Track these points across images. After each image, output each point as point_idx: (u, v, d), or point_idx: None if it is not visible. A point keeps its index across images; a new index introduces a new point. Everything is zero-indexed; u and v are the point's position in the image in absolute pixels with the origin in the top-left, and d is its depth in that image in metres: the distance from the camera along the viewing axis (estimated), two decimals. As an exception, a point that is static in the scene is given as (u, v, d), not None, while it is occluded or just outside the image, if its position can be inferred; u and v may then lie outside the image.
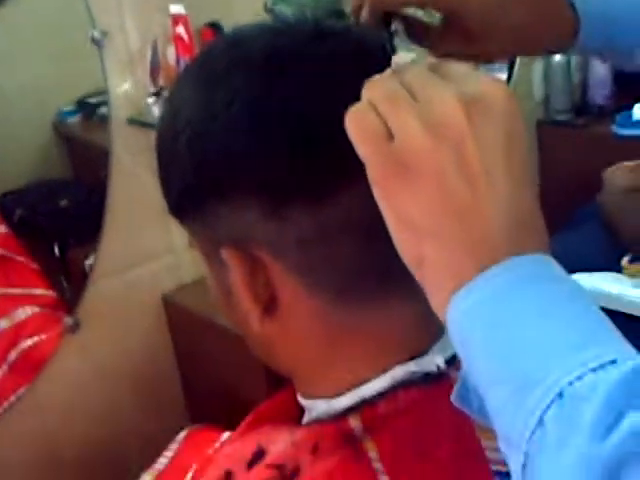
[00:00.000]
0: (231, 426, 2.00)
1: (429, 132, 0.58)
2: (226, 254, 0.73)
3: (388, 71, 0.65)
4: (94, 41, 2.15)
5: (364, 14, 0.82)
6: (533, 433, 0.52)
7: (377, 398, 0.75)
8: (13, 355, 2.20)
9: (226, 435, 1.98)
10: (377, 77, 0.64)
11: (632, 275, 1.93)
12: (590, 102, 3.16)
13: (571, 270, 1.88)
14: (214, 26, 2.25)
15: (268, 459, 0.78)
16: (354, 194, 0.67)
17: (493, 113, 0.59)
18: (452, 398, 0.62)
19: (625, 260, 1.97)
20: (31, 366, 2.24)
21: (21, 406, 2.23)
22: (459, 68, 0.63)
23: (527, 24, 0.89)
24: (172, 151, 0.75)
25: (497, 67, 2.79)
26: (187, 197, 0.76)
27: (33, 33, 2.37)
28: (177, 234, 2.10)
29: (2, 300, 2.23)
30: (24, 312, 2.23)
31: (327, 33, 0.74)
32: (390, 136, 0.60)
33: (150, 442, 2.09)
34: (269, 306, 0.75)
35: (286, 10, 2.80)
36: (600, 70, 3.02)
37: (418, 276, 0.61)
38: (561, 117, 3.19)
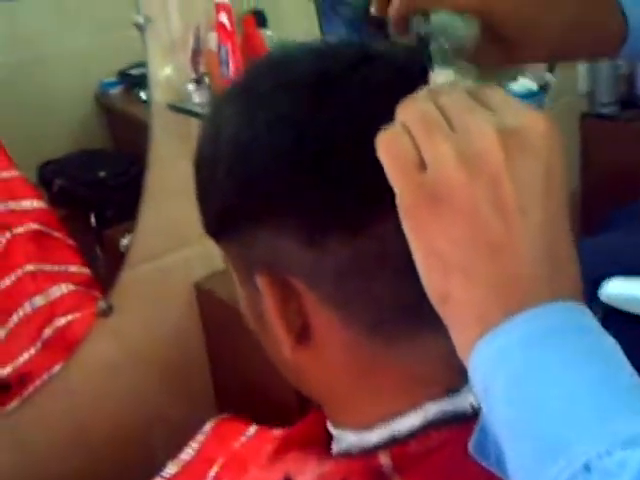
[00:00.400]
0: (258, 419, 2.02)
1: (464, 165, 0.56)
2: (260, 280, 0.72)
3: (424, 90, 0.63)
4: (137, 26, 2.15)
5: (392, 12, 0.81)
6: None
7: (408, 436, 0.73)
8: (47, 332, 2.22)
9: (253, 429, 1.99)
10: (412, 97, 0.62)
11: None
12: (637, 95, 3.10)
13: (609, 274, 1.86)
14: (257, 14, 2.24)
15: None
16: (392, 226, 0.64)
17: (532, 149, 0.57)
18: (470, 447, 0.60)
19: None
20: (65, 345, 2.24)
21: (53, 385, 2.23)
22: (499, 96, 0.61)
23: (571, 28, 0.86)
24: (212, 171, 0.74)
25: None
26: (225, 218, 0.75)
27: (77, 3, 2.38)
28: None
29: (38, 277, 2.23)
30: (59, 289, 2.24)
31: (372, 56, 0.72)
32: (423, 164, 0.58)
33: (177, 429, 2.11)
34: (301, 334, 0.73)
35: None
36: (648, 62, 2.97)
37: (442, 312, 0.59)
38: (606, 110, 3.13)
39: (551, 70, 3.05)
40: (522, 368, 0.54)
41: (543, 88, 3.12)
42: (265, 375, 2.13)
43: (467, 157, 0.56)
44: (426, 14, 0.79)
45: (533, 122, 0.58)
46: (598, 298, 1.84)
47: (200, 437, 2.05)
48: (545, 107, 3.04)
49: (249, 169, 0.70)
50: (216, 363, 2.48)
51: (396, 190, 0.59)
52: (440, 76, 0.68)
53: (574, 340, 0.55)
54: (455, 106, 0.59)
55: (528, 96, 3.03)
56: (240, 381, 2.35)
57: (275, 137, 0.69)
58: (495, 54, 0.84)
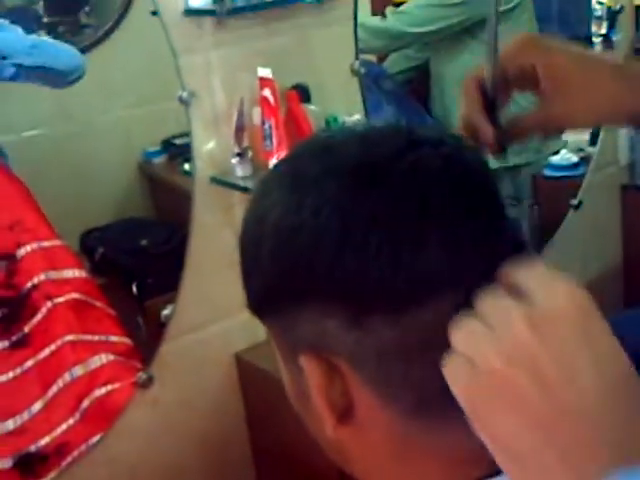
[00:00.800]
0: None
1: (504, 356, 0.60)
2: (304, 361, 0.72)
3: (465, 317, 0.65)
4: (181, 100, 2.17)
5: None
6: None
7: None
8: (86, 403, 2.21)
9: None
10: (457, 324, 0.64)
11: None
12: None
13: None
14: (300, 89, 2.26)
15: None
16: (435, 311, 0.66)
17: (565, 326, 0.60)
18: None
19: None
20: (104, 415, 2.24)
21: (91, 456, 2.23)
22: (535, 279, 0.63)
23: (619, 96, 0.92)
24: (256, 253, 0.75)
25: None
26: (267, 299, 0.76)
27: (124, 74, 2.42)
28: None
29: (78, 346, 2.23)
30: (99, 360, 2.24)
31: (419, 144, 0.72)
32: (474, 363, 0.62)
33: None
34: (344, 414, 0.73)
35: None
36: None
37: None
38: (647, 182, 3.13)
39: (592, 142, 3.06)
40: None
41: (584, 160, 3.12)
42: (305, 448, 2.11)
43: (504, 351, 0.60)
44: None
45: (564, 300, 0.61)
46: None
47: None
48: (586, 179, 3.04)
49: (293, 255, 0.71)
50: (256, 434, 2.47)
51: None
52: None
53: None
54: (491, 309, 0.63)
55: (569, 168, 3.03)
56: (280, 453, 2.34)
57: (320, 223, 0.69)
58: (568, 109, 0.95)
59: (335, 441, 0.76)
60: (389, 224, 0.68)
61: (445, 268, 0.66)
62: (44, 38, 2.22)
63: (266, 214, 0.74)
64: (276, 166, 0.81)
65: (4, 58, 2.07)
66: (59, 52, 2.20)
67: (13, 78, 2.12)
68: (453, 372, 0.63)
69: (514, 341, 0.60)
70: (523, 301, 0.61)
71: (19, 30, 2.17)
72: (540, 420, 0.59)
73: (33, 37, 2.18)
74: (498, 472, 0.71)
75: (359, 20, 2.65)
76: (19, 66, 2.09)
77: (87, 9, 2.48)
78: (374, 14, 2.74)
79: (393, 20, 2.86)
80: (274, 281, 0.73)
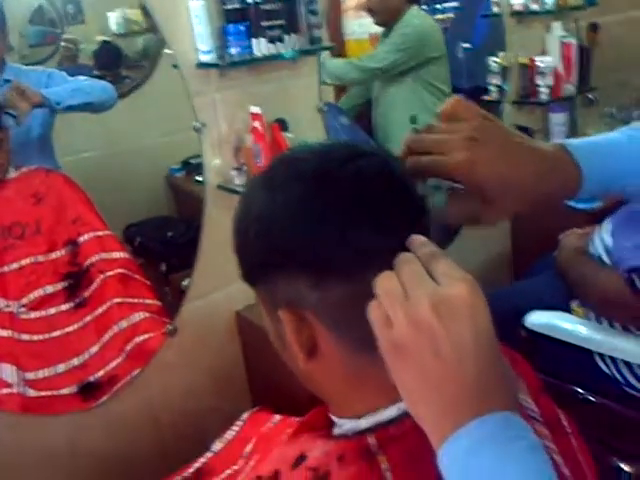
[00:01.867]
0: (281, 410, 2.00)
1: (411, 325, 0.60)
2: (282, 314, 0.74)
3: (390, 273, 0.65)
4: (195, 129, 2.17)
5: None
6: None
7: (388, 422, 0.73)
8: (129, 347, 2.19)
9: (277, 417, 1.98)
10: (383, 275, 0.64)
11: (579, 315, 1.89)
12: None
13: (531, 307, 1.82)
14: (280, 121, 2.25)
15: (307, 463, 0.77)
16: (373, 275, 0.66)
17: (458, 309, 0.59)
18: None
19: (574, 304, 1.93)
20: (142, 356, 2.23)
21: (133, 385, 2.22)
22: (442, 266, 0.63)
23: (535, 186, 0.80)
24: (244, 237, 0.76)
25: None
26: (255, 270, 0.77)
27: (153, 111, 2.40)
28: None
29: (124, 306, 2.20)
30: (138, 316, 2.22)
31: (359, 155, 0.73)
32: (391, 322, 0.61)
33: (223, 417, 2.08)
34: (311, 352, 0.75)
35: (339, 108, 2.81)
36: None
37: (416, 420, 0.62)
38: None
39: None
40: (467, 469, 0.56)
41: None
42: (285, 380, 2.12)
43: (412, 320, 0.60)
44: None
45: (459, 289, 0.60)
46: (523, 325, 1.84)
47: (239, 423, 2.03)
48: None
49: (271, 237, 0.72)
50: (251, 371, 2.47)
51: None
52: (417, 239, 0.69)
53: (501, 446, 0.56)
54: (410, 279, 0.62)
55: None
56: (269, 383, 2.33)
57: (288, 213, 0.71)
58: (488, 214, 0.81)
59: (306, 371, 0.77)
60: (337, 213, 0.69)
61: (377, 244, 0.67)
62: (82, 79, 2.19)
63: (250, 209, 0.76)
64: (254, 178, 0.81)
65: (58, 104, 2.06)
66: (94, 89, 2.19)
67: (66, 112, 2.11)
68: (374, 318, 0.63)
69: (420, 314, 0.59)
70: (431, 279, 0.62)
71: (67, 77, 2.15)
72: (432, 374, 0.59)
73: (75, 82, 2.16)
74: None
75: (340, 59, 2.78)
76: (68, 107, 2.08)
77: (126, 65, 2.47)
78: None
79: (366, 58, 2.86)
80: (259, 257, 0.75)
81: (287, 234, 0.70)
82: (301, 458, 0.78)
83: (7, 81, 2.00)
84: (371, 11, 2.86)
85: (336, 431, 0.81)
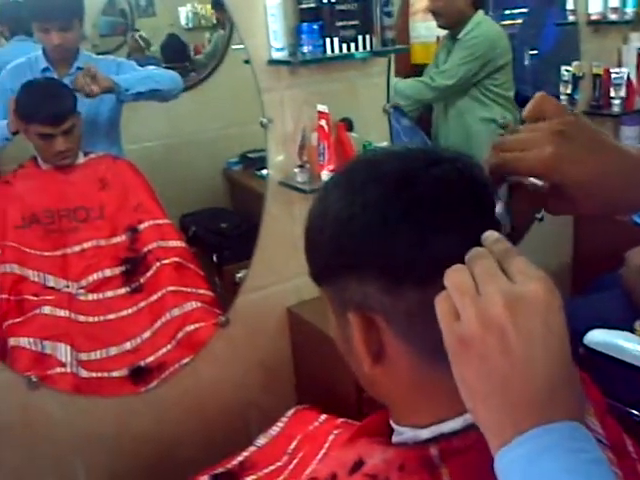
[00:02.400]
0: (326, 410, 2.01)
1: (481, 321, 0.58)
2: (351, 316, 0.72)
3: (462, 266, 0.63)
4: (262, 125, 2.19)
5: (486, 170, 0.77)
6: None
7: (452, 434, 0.72)
8: (180, 335, 2.22)
9: (323, 417, 1.98)
10: (455, 267, 0.62)
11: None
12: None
13: (593, 325, 1.78)
14: (346, 120, 2.25)
15: (365, 469, 0.76)
16: None
17: (532, 310, 0.57)
18: None
19: (637, 323, 1.88)
20: (192, 345, 2.25)
21: (182, 372, 2.24)
22: (517, 264, 0.61)
23: (622, 192, 0.76)
24: (319, 236, 0.75)
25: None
26: (326, 271, 0.76)
27: (216, 105, 2.43)
28: (302, 264, 2.19)
29: (177, 295, 2.23)
30: (191, 305, 2.24)
31: (440, 160, 0.72)
32: (459, 316, 0.60)
33: (268, 413, 2.10)
34: (377, 356, 0.73)
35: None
36: None
37: (474, 420, 0.61)
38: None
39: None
40: (525, 478, 0.54)
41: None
42: (334, 379, 2.14)
43: (482, 316, 0.58)
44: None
45: (535, 288, 0.58)
46: (583, 343, 1.81)
47: (284, 419, 2.04)
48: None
49: (346, 239, 0.71)
50: (298, 367, 2.47)
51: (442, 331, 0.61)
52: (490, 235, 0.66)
53: (563, 458, 0.54)
54: (483, 274, 0.60)
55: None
56: (315, 381, 2.34)
57: (367, 216, 0.69)
58: (564, 208, 0.78)
59: (370, 376, 0.75)
60: (417, 218, 0.68)
61: (456, 250, 0.65)
62: (152, 68, 2.24)
63: (327, 209, 0.74)
64: (333, 177, 0.80)
65: (127, 90, 2.09)
66: (163, 77, 2.22)
67: (134, 100, 2.14)
68: (441, 310, 0.62)
69: (492, 311, 0.58)
70: (505, 276, 0.60)
71: (136, 66, 2.20)
72: (497, 374, 0.57)
73: (144, 70, 2.21)
74: None
75: (410, 80, 2.78)
76: (137, 93, 2.11)
77: (192, 59, 2.51)
78: (397, 75, 2.72)
79: (438, 76, 2.84)
80: (332, 258, 0.73)
81: (364, 237, 0.69)
82: (359, 463, 0.77)
83: (79, 69, 2.05)
84: (435, 14, 2.84)
85: (395, 439, 0.80)
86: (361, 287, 0.71)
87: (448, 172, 0.71)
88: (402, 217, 0.68)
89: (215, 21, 2.49)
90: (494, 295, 0.58)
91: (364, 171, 0.74)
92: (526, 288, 0.58)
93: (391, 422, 0.82)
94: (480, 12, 2.81)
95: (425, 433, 0.74)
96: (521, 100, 2.88)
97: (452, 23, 2.83)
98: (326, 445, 1.81)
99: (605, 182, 0.75)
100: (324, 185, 0.79)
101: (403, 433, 0.78)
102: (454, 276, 0.62)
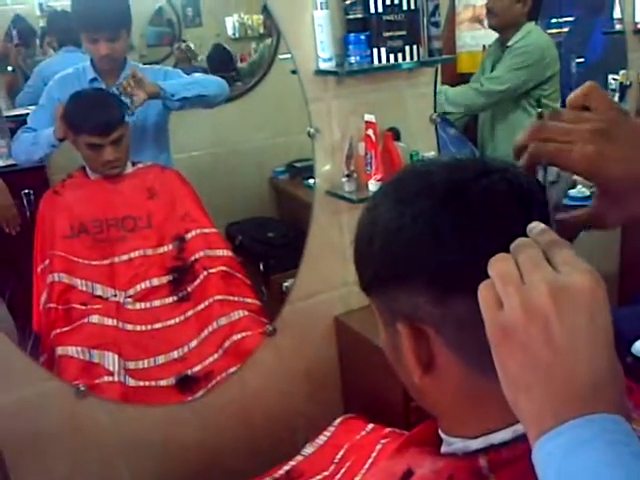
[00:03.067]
0: (374, 419, 2.00)
1: (524, 310, 0.57)
2: (401, 327, 0.73)
3: (507, 255, 0.62)
4: (309, 135, 2.20)
5: (522, 159, 0.77)
6: None
7: (502, 445, 0.72)
8: (227, 344, 2.24)
9: (370, 426, 1.98)
10: (499, 256, 0.62)
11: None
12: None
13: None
14: (393, 130, 2.25)
15: (414, 479, 0.76)
16: None
17: (578, 301, 0.56)
18: None
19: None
20: (239, 354, 2.26)
21: (229, 382, 2.26)
22: (563, 255, 0.60)
23: None
24: (368, 246, 0.75)
25: None
26: (375, 282, 0.76)
27: (262, 114, 2.46)
28: (350, 273, 2.18)
29: (224, 304, 2.25)
30: (238, 314, 2.26)
31: (490, 171, 0.72)
32: (502, 305, 0.59)
33: (314, 422, 2.10)
34: (427, 367, 0.73)
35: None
36: None
37: (514, 411, 0.60)
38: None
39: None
40: (562, 470, 0.54)
41: (594, 193, 3.03)
42: (381, 388, 2.13)
43: (526, 305, 0.57)
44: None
45: (582, 280, 0.57)
46: (631, 352, 1.78)
47: (331, 429, 2.04)
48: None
49: (396, 249, 0.71)
50: (345, 377, 2.47)
51: (484, 318, 0.60)
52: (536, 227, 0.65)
53: (603, 450, 0.53)
54: (527, 263, 0.59)
55: (582, 199, 2.95)
56: (362, 391, 2.34)
57: (417, 227, 0.70)
58: (614, 215, 0.77)
59: (420, 386, 0.75)
60: (468, 229, 0.68)
61: None
62: (198, 74, 2.27)
63: (377, 220, 0.74)
64: (382, 187, 0.80)
65: (172, 96, 2.12)
66: (209, 83, 2.25)
67: (181, 107, 2.17)
68: (483, 298, 0.61)
69: (536, 300, 0.57)
70: (550, 266, 0.59)
71: (182, 74, 2.23)
72: (540, 364, 0.57)
73: (191, 76, 2.24)
74: None
75: (459, 87, 2.78)
76: (183, 99, 2.13)
77: (238, 69, 2.54)
78: (443, 83, 2.71)
79: (489, 82, 2.83)
80: (382, 268, 0.73)
81: (414, 248, 0.70)
82: (408, 473, 0.77)
83: (127, 78, 2.09)
84: (490, 12, 2.83)
85: (444, 449, 0.80)
86: (411, 298, 0.71)
87: (497, 183, 0.71)
88: (452, 228, 0.68)
89: (262, 31, 2.52)
90: (539, 284, 0.57)
91: (414, 182, 0.74)
92: (571, 279, 0.57)
93: (440, 432, 0.82)
94: (531, 23, 2.82)
95: (475, 444, 0.74)
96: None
97: (503, 25, 2.82)
98: (373, 454, 1.81)
99: None
100: (373, 196, 0.79)
101: (453, 444, 0.78)
102: (498, 265, 0.61)
